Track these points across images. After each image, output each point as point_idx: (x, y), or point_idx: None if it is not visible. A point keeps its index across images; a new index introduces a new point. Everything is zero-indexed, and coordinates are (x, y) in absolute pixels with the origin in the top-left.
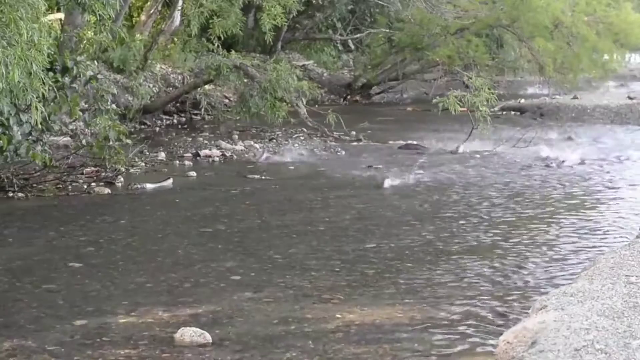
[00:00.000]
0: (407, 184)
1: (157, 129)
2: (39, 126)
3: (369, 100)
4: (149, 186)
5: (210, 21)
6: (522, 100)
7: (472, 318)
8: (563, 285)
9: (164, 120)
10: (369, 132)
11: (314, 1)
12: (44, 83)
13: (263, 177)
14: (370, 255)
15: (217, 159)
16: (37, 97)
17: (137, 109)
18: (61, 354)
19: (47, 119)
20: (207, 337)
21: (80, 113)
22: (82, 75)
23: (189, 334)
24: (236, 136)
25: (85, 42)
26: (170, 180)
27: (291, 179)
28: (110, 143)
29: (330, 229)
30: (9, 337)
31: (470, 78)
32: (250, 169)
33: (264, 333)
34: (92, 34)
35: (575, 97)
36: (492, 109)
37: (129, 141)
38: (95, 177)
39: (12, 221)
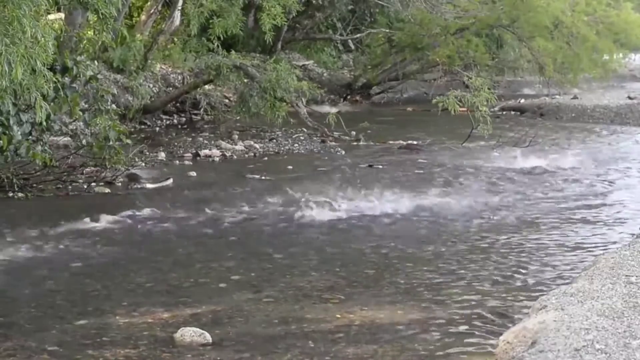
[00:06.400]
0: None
1: (157, 129)
2: (43, 124)
3: (369, 100)
4: (149, 186)
5: (210, 21)
6: (522, 100)
7: (472, 318)
8: (563, 285)
9: (164, 120)
10: (369, 132)
11: (314, 1)
12: (47, 81)
13: (263, 177)
14: (371, 255)
15: (217, 159)
16: (41, 95)
17: (137, 109)
18: (61, 354)
19: (48, 118)
20: (207, 337)
21: (80, 113)
22: (82, 75)
23: (189, 334)
24: (236, 136)
25: (85, 42)
26: (170, 180)
27: (291, 178)
28: (110, 143)
29: (329, 228)
30: (9, 337)
31: (470, 78)
32: (251, 169)
33: (264, 333)
34: (92, 33)
35: (575, 97)
36: (492, 109)
37: (129, 141)
38: (95, 177)
39: (12, 221)
